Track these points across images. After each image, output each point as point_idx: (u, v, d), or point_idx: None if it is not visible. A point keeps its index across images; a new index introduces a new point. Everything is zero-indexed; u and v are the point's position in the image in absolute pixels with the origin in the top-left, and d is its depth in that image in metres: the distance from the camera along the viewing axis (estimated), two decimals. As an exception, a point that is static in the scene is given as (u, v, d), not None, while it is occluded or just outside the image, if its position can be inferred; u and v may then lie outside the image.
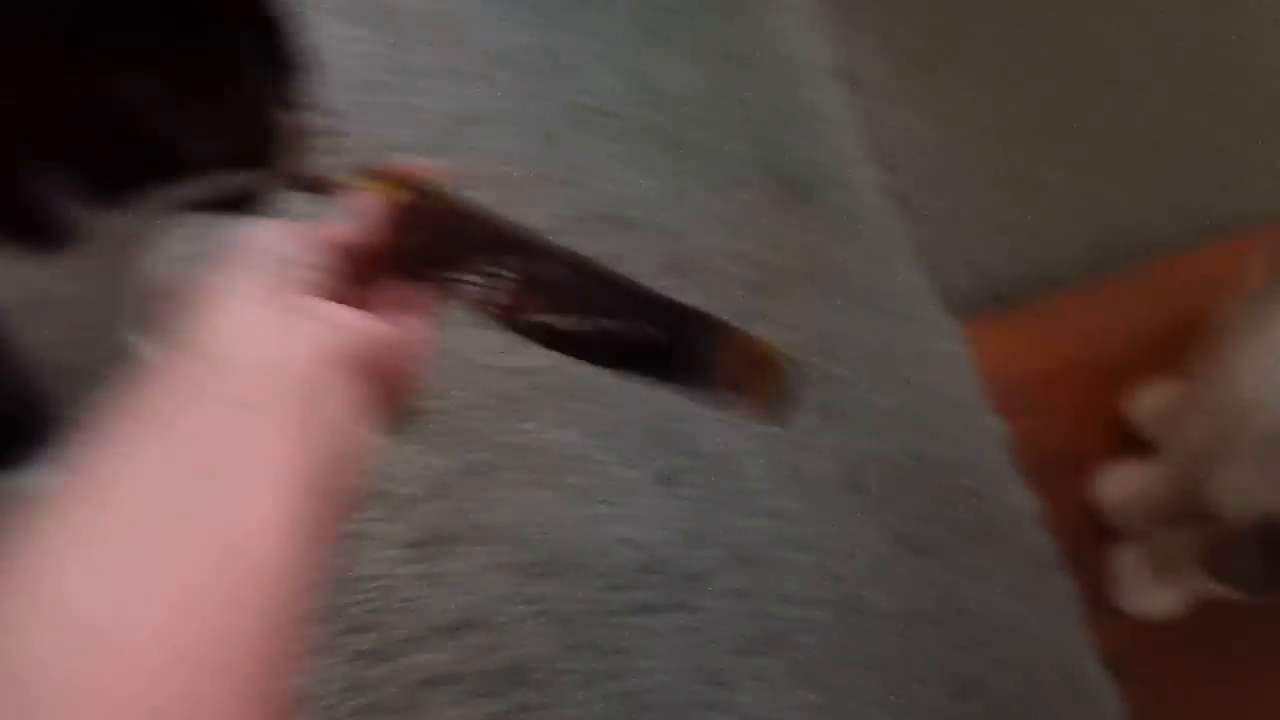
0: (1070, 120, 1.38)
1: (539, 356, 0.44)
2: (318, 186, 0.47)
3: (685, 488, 1.02)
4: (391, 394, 0.40)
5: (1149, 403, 1.19)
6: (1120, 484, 1.17)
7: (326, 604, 1.00)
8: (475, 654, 0.92)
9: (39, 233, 0.45)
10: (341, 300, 0.40)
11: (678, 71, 1.25)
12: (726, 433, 1.06)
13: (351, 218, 0.43)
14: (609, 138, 1.19)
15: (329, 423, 0.36)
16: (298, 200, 0.48)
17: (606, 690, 0.94)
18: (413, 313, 0.43)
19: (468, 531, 1.03)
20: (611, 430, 1.03)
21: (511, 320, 0.44)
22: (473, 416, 1.06)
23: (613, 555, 1.00)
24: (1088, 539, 1.18)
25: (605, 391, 1.04)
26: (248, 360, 0.35)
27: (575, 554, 0.98)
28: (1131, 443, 1.20)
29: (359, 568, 1.01)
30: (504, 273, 0.43)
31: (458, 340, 1.02)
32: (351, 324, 0.39)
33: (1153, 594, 1.15)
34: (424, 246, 0.44)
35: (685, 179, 1.18)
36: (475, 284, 0.43)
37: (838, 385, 1.10)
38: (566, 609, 0.96)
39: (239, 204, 0.47)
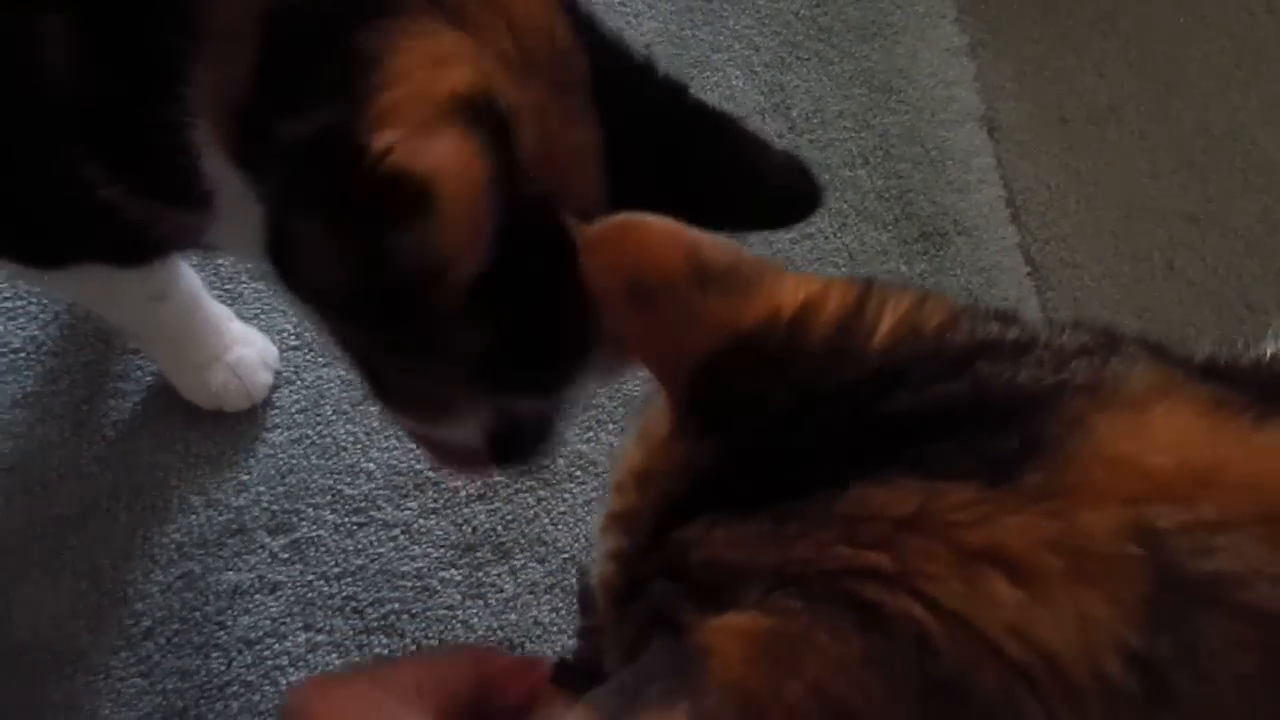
0: (1221, 210, 1.28)
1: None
2: None
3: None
4: None
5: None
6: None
7: (362, 591, 0.92)
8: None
9: None
10: None
11: (816, 88, 1.16)
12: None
13: None
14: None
15: None
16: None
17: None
18: None
19: (523, 543, 0.94)
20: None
21: None
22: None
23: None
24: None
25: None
26: None
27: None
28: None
29: (400, 562, 0.93)
30: None
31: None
32: None
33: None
34: None
35: (810, 203, 1.09)
36: None
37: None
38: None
39: None
